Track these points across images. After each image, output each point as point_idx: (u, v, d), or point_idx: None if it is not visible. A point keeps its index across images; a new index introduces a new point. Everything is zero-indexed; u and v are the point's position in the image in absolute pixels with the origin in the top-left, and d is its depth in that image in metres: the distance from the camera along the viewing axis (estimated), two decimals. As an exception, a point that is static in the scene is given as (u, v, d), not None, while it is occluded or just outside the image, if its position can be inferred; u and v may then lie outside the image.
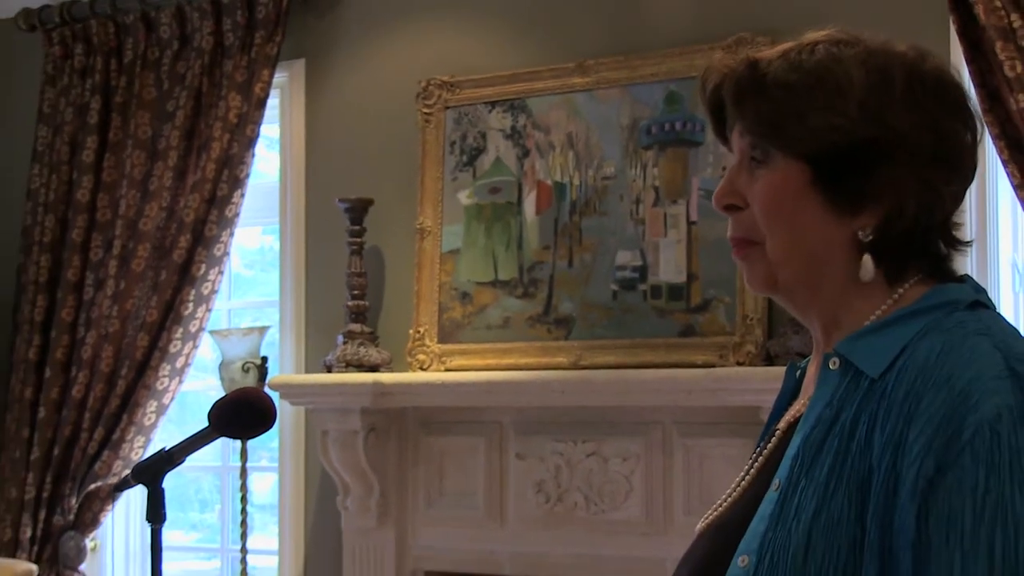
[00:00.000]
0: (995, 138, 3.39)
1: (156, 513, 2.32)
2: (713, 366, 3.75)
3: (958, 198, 1.31)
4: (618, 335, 3.97)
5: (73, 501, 4.74)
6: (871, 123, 1.25)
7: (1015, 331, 1.24)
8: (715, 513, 1.39)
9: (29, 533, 4.76)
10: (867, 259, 1.26)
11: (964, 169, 1.30)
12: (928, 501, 1.12)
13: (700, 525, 1.40)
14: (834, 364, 1.28)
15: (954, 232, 1.31)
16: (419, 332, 4.23)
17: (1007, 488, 1.10)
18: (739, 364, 3.72)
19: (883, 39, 1.30)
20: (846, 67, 1.26)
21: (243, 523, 4.43)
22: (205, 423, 2.41)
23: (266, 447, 4.94)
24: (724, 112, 1.35)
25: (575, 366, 3.97)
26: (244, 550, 4.43)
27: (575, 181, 4.10)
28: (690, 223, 3.90)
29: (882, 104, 1.25)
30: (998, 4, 3.41)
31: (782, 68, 1.28)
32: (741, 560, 1.24)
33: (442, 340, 4.22)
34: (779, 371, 3.76)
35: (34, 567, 4.30)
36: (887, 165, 1.26)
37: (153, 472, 2.33)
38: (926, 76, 1.28)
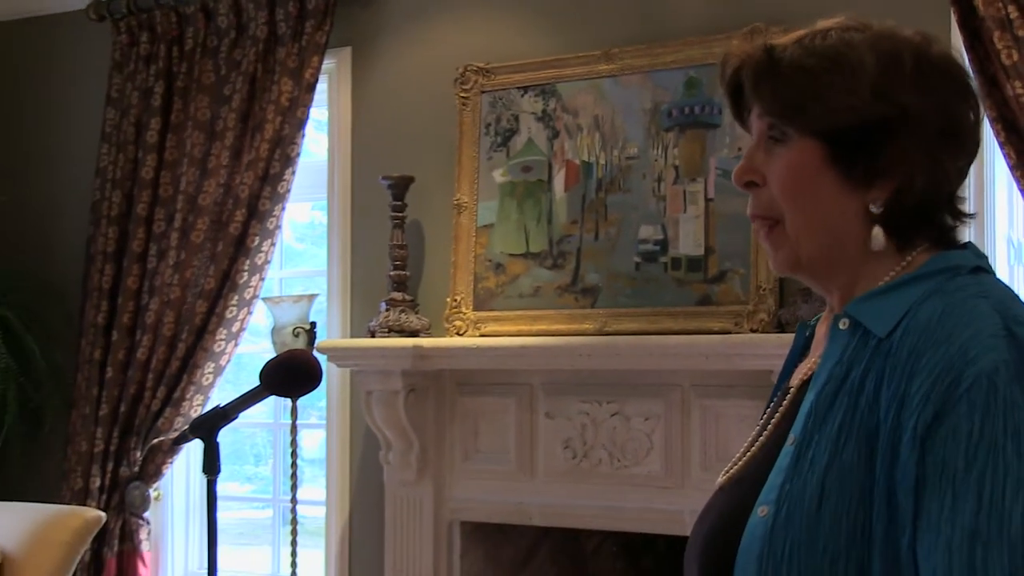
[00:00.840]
0: (992, 121, 3.39)
1: (211, 465, 2.35)
2: (728, 333, 3.76)
3: (963, 173, 1.32)
4: (640, 304, 3.97)
5: (138, 454, 4.80)
6: (883, 103, 1.25)
7: (1013, 294, 1.24)
8: (734, 468, 1.39)
9: (98, 483, 4.82)
10: (877, 230, 1.27)
11: (969, 146, 1.31)
12: (926, 446, 1.13)
13: (721, 479, 1.40)
14: (844, 324, 1.28)
15: (958, 206, 1.31)
16: (456, 300, 4.25)
17: (1000, 436, 1.11)
18: (752, 331, 3.72)
19: (891, 25, 1.30)
20: (859, 51, 1.26)
21: (293, 476, 4.47)
22: (257, 384, 2.43)
23: (314, 406, 4.98)
24: (742, 95, 1.35)
25: (600, 332, 3.97)
26: (294, 500, 4.47)
27: (601, 160, 4.09)
28: (708, 200, 3.89)
29: (893, 85, 1.26)
30: None
31: (798, 52, 1.28)
32: (761, 511, 1.24)
33: (477, 308, 4.23)
34: (790, 337, 3.79)
35: (103, 514, 4.32)
36: (898, 142, 1.26)
37: (208, 427, 2.36)
38: (934, 59, 1.29)
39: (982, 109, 1.36)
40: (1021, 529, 1.09)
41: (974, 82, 1.34)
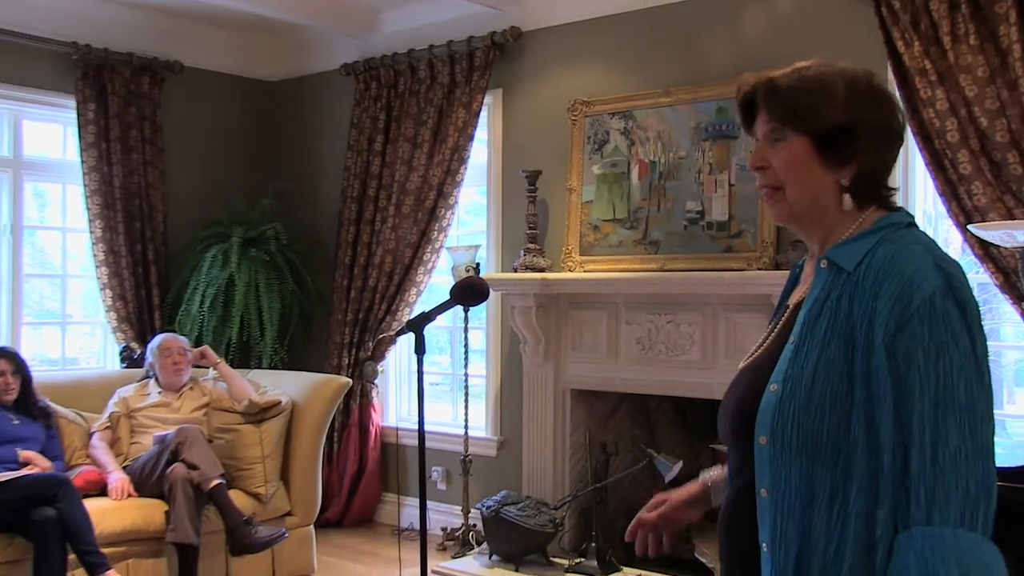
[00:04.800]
0: (914, 134, 3.35)
1: (420, 348, 2.46)
2: (743, 270, 3.76)
3: (895, 159, 1.29)
4: (687, 251, 3.97)
5: (371, 344, 4.93)
6: (849, 113, 1.23)
7: (933, 241, 1.24)
8: (751, 358, 1.34)
9: (347, 361, 4.98)
10: (847, 197, 1.25)
11: (898, 140, 1.28)
12: (893, 346, 1.12)
13: (742, 364, 1.35)
14: (824, 264, 1.25)
15: (887, 181, 1.30)
16: (568, 249, 4.28)
17: (943, 337, 1.11)
18: (759, 269, 3.73)
19: (848, 63, 1.28)
20: (832, 79, 1.24)
21: (465, 359, 4.52)
22: (447, 298, 2.52)
23: (477, 316, 4.79)
24: (749, 109, 1.32)
25: (661, 270, 4.00)
26: (465, 375, 4.53)
27: (662, 160, 4.08)
28: (731, 185, 3.87)
29: (855, 102, 1.23)
30: (916, 54, 3.36)
31: (793, 79, 1.26)
32: (772, 387, 1.22)
33: (582, 254, 4.25)
34: (784, 274, 3.82)
35: (350, 380, 4.44)
36: (859, 139, 1.23)
37: (417, 324, 2.45)
38: (875, 85, 1.26)
39: (905, 116, 1.32)
40: (963, 397, 1.09)
41: (898, 99, 1.35)
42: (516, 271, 4.34)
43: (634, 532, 1.50)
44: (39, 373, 4.20)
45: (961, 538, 1.05)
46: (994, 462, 1.10)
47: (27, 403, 3.88)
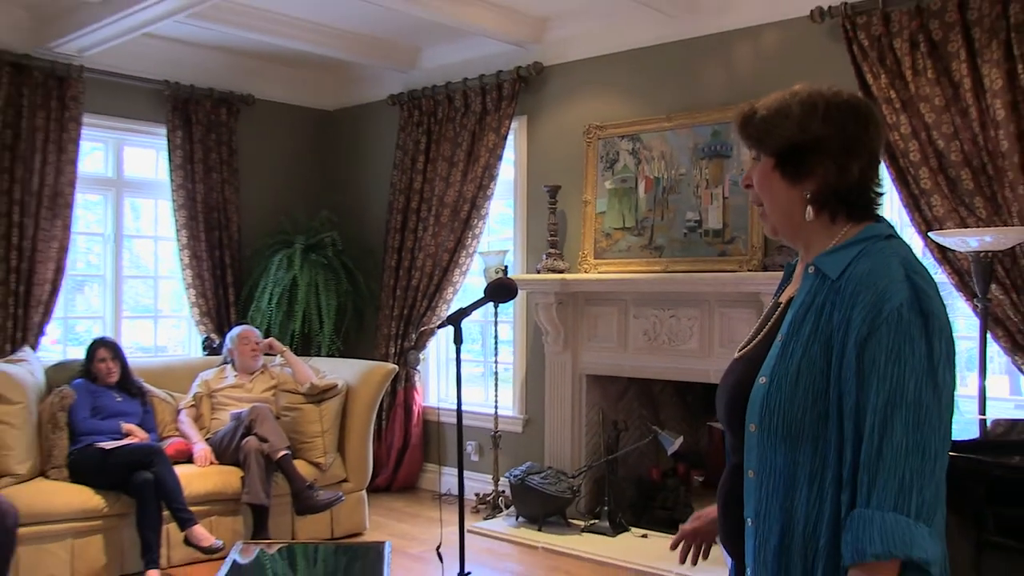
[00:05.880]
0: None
1: (458, 339, 2.50)
2: (735, 271, 3.78)
3: (865, 170, 1.20)
4: (687, 255, 3.98)
5: (413, 336, 4.99)
6: (803, 132, 1.19)
7: (910, 251, 1.19)
8: (745, 349, 1.30)
9: (393, 350, 5.06)
10: (808, 208, 1.21)
11: (864, 153, 1.19)
12: (862, 350, 1.10)
13: (736, 354, 1.32)
14: (811, 270, 1.21)
15: (873, 189, 1.22)
16: (584, 253, 4.31)
17: (904, 345, 1.09)
18: (749, 271, 3.74)
19: (825, 86, 1.22)
20: (791, 104, 1.21)
21: (496, 349, 4.57)
22: (482, 296, 2.55)
23: (506, 312, 4.80)
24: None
25: (664, 271, 4.01)
26: (496, 362, 4.57)
27: (664, 176, 4.09)
28: (724, 198, 3.90)
29: (808, 122, 1.19)
30: (883, 85, 3.40)
31: (762, 108, 1.24)
32: (761, 380, 1.19)
33: (596, 257, 4.27)
34: (771, 274, 3.87)
35: (396, 367, 4.45)
36: (815, 155, 1.19)
37: (455, 319, 2.49)
38: (839, 103, 1.19)
39: (880, 128, 1.20)
40: (912, 395, 1.08)
41: (873, 113, 1.21)
42: (539, 273, 4.38)
43: (677, 543, 1.49)
44: (135, 359, 4.37)
45: (889, 519, 1.05)
46: (940, 456, 1.08)
47: (126, 383, 4.08)
